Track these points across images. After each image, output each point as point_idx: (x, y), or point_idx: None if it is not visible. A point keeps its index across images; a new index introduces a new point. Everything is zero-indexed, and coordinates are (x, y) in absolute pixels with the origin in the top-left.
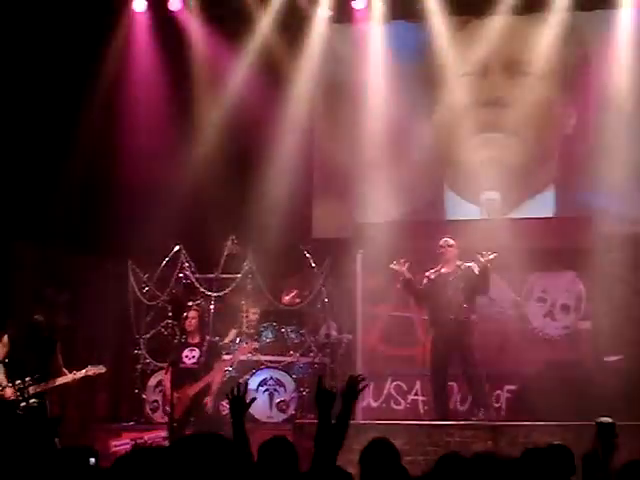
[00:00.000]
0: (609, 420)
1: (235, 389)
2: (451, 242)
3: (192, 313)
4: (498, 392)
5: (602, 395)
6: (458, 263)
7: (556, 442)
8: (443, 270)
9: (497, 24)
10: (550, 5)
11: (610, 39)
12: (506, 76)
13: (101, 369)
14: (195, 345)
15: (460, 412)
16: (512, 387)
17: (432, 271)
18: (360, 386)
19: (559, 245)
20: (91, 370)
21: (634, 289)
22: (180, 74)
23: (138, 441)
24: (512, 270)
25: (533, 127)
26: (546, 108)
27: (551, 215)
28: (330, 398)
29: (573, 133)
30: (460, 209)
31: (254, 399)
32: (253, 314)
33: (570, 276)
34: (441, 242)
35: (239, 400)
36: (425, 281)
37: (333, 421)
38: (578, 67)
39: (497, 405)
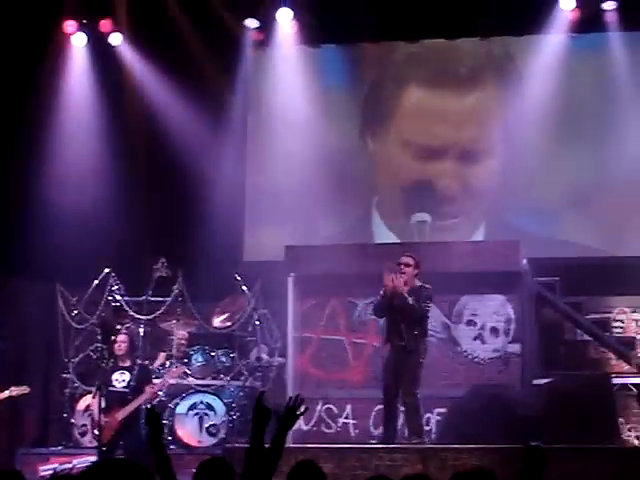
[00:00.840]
0: (537, 444)
1: (149, 409)
2: (411, 261)
3: (121, 337)
4: (428, 415)
5: (531, 418)
6: (417, 283)
7: (483, 465)
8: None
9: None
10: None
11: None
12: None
13: (24, 390)
14: (125, 369)
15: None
16: (442, 410)
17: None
18: (299, 411)
19: (488, 268)
20: (14, 391)
21: (562, 313)
22: (112, 97)
23: (66, 466)
24: (442, 293)
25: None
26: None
27: (480, 238)
28: (267, 415)
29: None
30: (386, 233)
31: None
32: (183, 337)
33: (499, 299)
34: (401, 260)
35: (154, 419)
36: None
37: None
38: (507, 90)
39: (427, 428)
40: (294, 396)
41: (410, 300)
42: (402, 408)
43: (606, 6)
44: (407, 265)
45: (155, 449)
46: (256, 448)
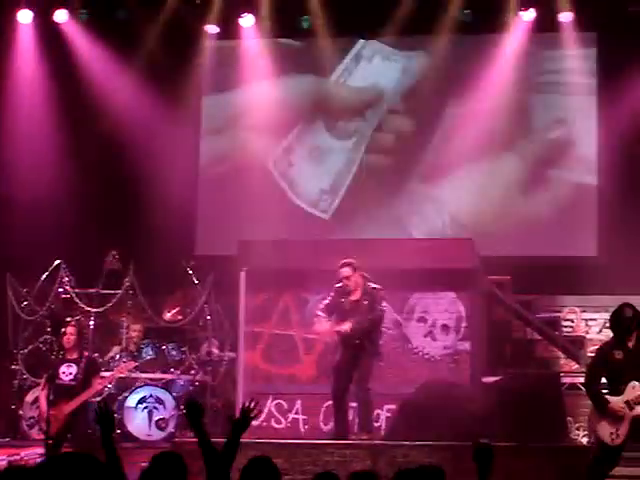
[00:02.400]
0: (486, 441)
1: (101, 406)
2: (348, 271)
3: (70, 329)
4: (378, 411)
5: (480, 416)
6: (369, 286)
7: (432, 462)
8: (352, 297)
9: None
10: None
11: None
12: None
13: None
14: (73, 361)
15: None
16: (392, 407)
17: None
18: (253, 414)
19: (440, 266)
20: None
21: (512, 311)
22: (64, 86)
23: (14, 458)
24: (394, 289)
25: None
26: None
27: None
28: (199, 411)
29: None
30: None
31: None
32: (134, 331)
33: (451, 297)
34: (343, 272)
35: (106, 417)
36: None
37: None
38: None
39: (377, 424)
40: (249, 400)
41: (365, 323)
42: (353, 404)
43: (563, 17)
44: (347, 277)
45: (106, 447)
46: (204, 443)
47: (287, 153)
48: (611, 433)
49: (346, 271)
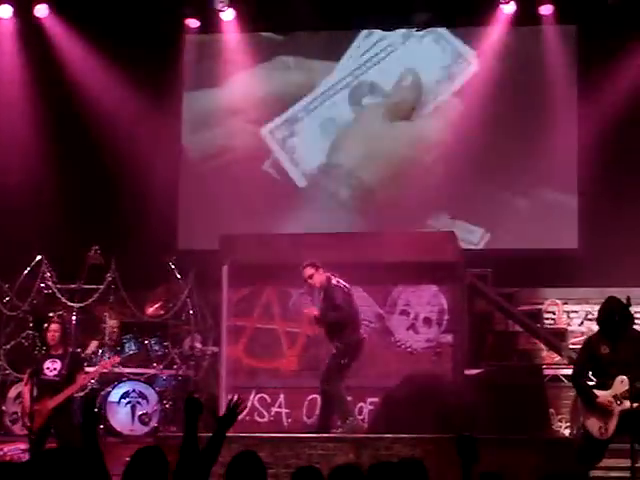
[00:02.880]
0: (469, 434)
1: (85, 402)
2: (310, 271)
3: (54, 326)
4: (361, 404)
5: (463, 408)
6: (331, 284)
7: (415, 455)
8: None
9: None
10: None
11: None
12: None
13: None
14: (57, 356)
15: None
16: (374, 399)
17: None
18: (238, 410)
19: (422, 259)
20: None
21: (494, 304)
22: (45, 81)
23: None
24: (376, 283)
25: None
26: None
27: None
28: (199, 408)
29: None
30: None
31: None
32: (116, 325)
33: (433, 290)
34: (304, 273)
35: (91, 412)
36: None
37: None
38: None
39: (360, 417)
40: (234, 397)
41: (328, 317)
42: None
43: (543, 10)
44: (310, 277)
45: (87, 440)
46: (190, 440)
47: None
48: (600, 427)
49: (307, 271)
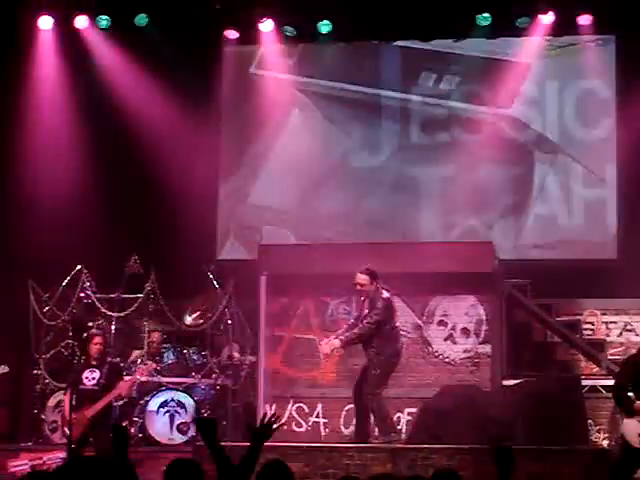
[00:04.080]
0: (506, 444)
1: (117, 430)
2: (363, 280)
3: (98, 338)
4: (399, 415)
5: (501, 419)
6: (378, 293)
7: (452, 465)
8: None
9: None
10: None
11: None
12: None
13: (4, 369)
14: (96, 366)
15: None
16: (412, 410)
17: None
18: (274, 427)
19: (460, 269)
20: None
21: (532, 314)
22: (85, 92)
23: (37, 462)
24: (414, 293)
25: None
26: None
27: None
28: (212, 426)
29: None
30: None
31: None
32: (155, 335)
33: (471, 300)
34: (355, 280)
35: (121, 430)
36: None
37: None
38: None
39: (398, 427)
40: (270, 412)
41: (353, 336)
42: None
43: (581, 20)
44: (361, 285)
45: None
46: (219, 456)
47: None
48: (639, 434)
49: (361, 279)
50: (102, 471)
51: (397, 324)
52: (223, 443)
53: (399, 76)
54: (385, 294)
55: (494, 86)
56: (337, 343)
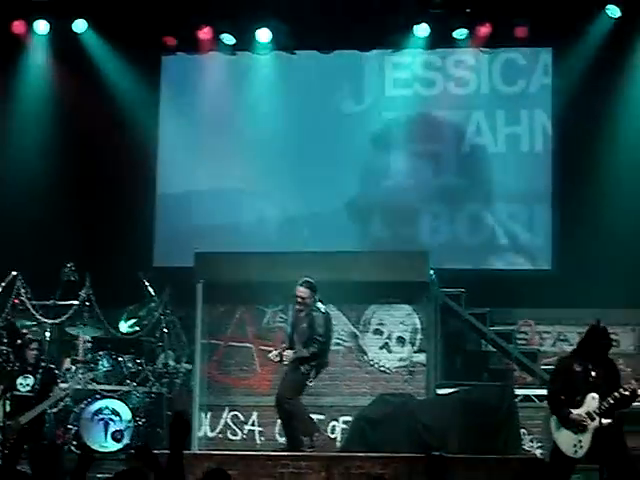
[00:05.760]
0: (439, 453)
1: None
2: (303, 293)
3: (35, 344)
4: (334, 423)
5: (435, 428)
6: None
7: (386, 474)
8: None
9: None
10: None
11: None
12: None
13: None
14: (30, 373)
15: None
16: (347, 418)
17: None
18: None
19: (395, 278)
20: None
21: (467, 324)
22: (23, 96)
23: None
24: (350, 302)
25: None
26: None
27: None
28: (187, 429)
29: None
30: None
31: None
32: (90, 342)
33: (406, 309)
34: (296, 293)
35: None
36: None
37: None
38: None
39: (332, 436)
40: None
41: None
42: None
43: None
44: (302, 298)
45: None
46: (175, 461)
47: None
48: (574, 445)
49: (301, 292)
50: None
51: (332, 338)
52: (157, 451)
53: None
54: (323, 308)
55: None
56: (291, 356)
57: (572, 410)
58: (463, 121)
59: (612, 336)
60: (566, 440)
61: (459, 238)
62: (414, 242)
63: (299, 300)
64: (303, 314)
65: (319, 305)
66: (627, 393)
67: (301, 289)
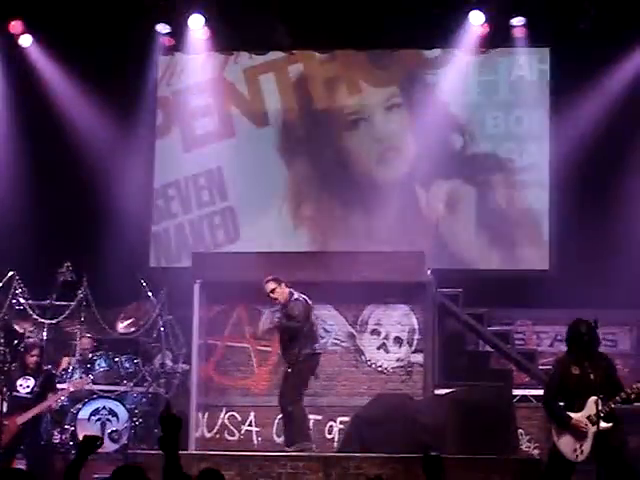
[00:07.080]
0: (436, 453)
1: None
2: (271, 286)
3: (35, 350)
4: (331, 423)
5: (433, 428)
6: (292, 297)
7: (383, 474)
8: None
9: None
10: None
11: None
12: None
13: None
14: (31, 375)
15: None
16: (345, 419)
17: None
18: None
19: (393, 278)
20: None
21: (464, 324)
22: (23, 104)
23: None
24: (347, 302)
25: None
26: None
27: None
28: (177, 424)
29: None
30: None
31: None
32: (87, 342)
33: (404, 309)
34: (266, 288)
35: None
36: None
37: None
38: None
39: (330, 436)
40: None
41: (283, 321)
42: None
43: (515, 22)
44: (272, 291)
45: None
46: (171, 460)
47: None
48: (575, 449)
49: (269, 285)
50: None
51: (315, 325)
52: (154, 452)
53: None
54: (297, 295)
55: None
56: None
57: (572, 415)
58: (463, 121)
59: (611, 336)
60: (567, 444)
61: (457, 238)
62: (412, 242)
63: (272, 295)
64: (285, 310)
65: (294, 294)
66: (633, 396)
67: (268, 285)
